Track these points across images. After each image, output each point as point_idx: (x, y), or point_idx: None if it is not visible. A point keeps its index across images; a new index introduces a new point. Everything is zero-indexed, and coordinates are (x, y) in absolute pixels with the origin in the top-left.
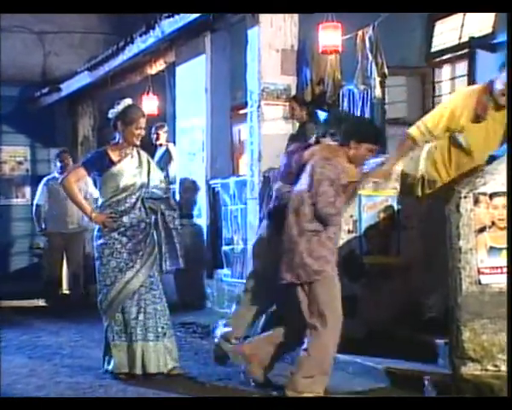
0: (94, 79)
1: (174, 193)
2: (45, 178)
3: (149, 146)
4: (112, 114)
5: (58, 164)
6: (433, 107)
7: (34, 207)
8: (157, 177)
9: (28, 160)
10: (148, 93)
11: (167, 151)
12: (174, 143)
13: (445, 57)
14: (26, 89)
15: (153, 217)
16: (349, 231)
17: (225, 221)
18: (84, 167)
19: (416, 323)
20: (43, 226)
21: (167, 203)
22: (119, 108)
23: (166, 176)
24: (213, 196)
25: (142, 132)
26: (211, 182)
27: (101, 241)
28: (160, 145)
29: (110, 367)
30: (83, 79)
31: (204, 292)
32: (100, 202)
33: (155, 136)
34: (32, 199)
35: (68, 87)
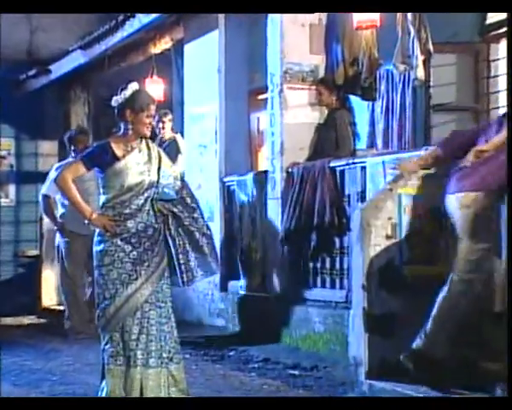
0: (88, 60)
1: (190, 190)
2: (56, 165)
3: (152, 137)
4: (117, 101)
5: (72, 147)
6: (488, 90)
7: (41, 199)
8: (170, 174)
9: (12, 154)
10: (151, 75)
11: (174, 143)
12: (182, 133)
13: (502, 30)
14: (9, 71)
15: (166, 221)
16: (387, 237)
17: (242, 225)
18: (83, 163)
19: (468, 345)
20: (60, 221)
21: (183, 204)
22: (127, 93)
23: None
24: (228, 195)
25: (153, 121)
26: (225, 179)
27: (101, 247)
28: (166, 136)
29: (102, 395)
30: (75, 60)
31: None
32: (101, 202)
33: (160, 125)
34: (18, 199)
35: (59, 69)
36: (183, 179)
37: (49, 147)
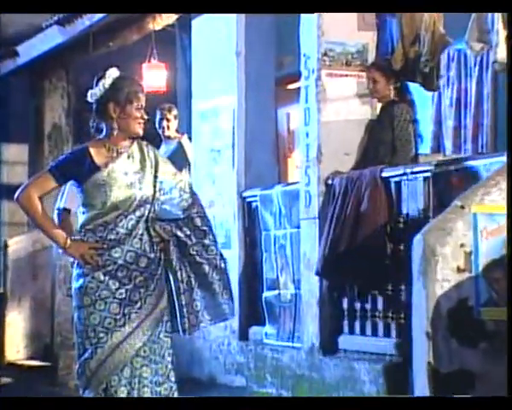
0: (68, 39)
1: (202, 208)
2: None
3: (152, 139)
4: (95, 94)
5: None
6: None
7: (56, 214)
8: (172, 185)
9: None
10: (150, 59)
11: (179, 147)
12: (189, 134)
13: None
14: None
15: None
16: (459, 270)
17: (267, 253)
18: (53, 175)
19: None
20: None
21: (191, 226)
22: (106, 82)
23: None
24: (249, 214)
25: (144, 115)
26: (245, 194)
27: (79, 284)
28: (169, 138)
29: None
30: (51, 39)
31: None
32: (79, 224)
33: (163, 124)
34: None
35: (29, 50)
36: (192, 192)
37: (15, 152)
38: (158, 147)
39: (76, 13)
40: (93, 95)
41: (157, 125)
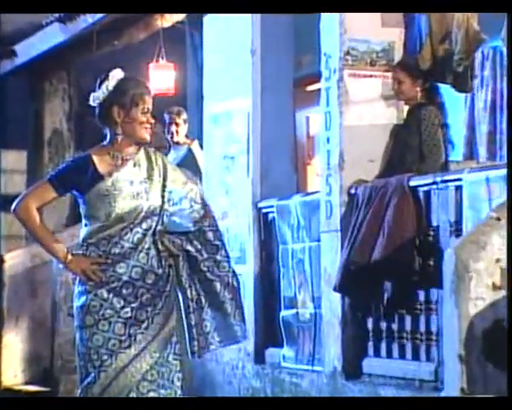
0: (70, 37)
1: (215, 220)
2: None
3: (160, 145)
4: (97, 98)
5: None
6: None
7: None
8: (182, 195)
9: None
10: (158, 59)
11: (189, 154)
12: (200, 140)
13: None
14: None
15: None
16: (494, 287)
17: (285, 269)
18: (52, 184)
19: None
20: None
21: (202, 240)
22: (109, 84)
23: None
24: (265, 227)
25: (151, 119)
26: (261, 204)
27: (81, 302)
28: (178, 144)
29: None
30: (51, 37)
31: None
32: (81, 237)
33: (171, 128)
34: None
35: (28, 50)
36: (204, 203)
37: (13, 160)
38: (166, 154)
39: (80, 13)
40: (96, 98)
41: (165, 131)
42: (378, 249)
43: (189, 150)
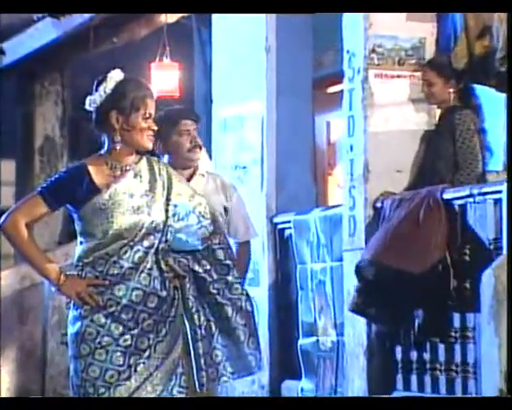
0: (63, 34)
1: (225, 237)
2: None
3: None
4: (94, 102)
5: None
6: None
7: None
8: (189, 209)
9: None
10: (161, 58)
11: None
12: (209, 148)
13: None
14: None
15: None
16: None
17: (303, 292)
18: (44, 198)
19: None
20: None
21: (211, 260)
22: (107, 86)
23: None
24: (281, 245)
25: (154, 125)
26: (276, 219)
27: (75, 328)
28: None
29: None
30: (43, 34)
31: None
32: (76, 256)
33: None
34: None
35: (17, 48)
36: (213, 219)
37: (1, 170)
38: None
39: (77, 13)
40: (92, 102)
41: None
42: (405, 268)
43: None
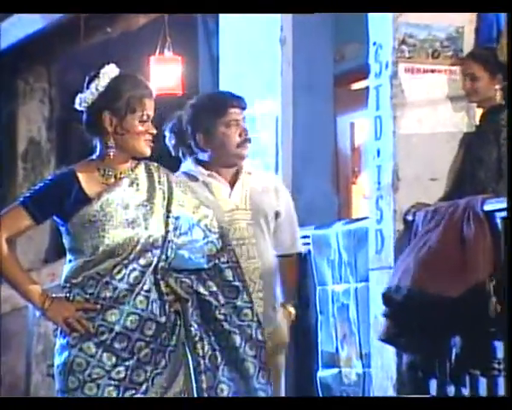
0: (51, 23)
1: (234, 254)
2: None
3: (166, 159)
4: (85, 100)
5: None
6: None
7: None
8: (193, 222)
9: None
10: (162, 51)
11: None
12: None
13: None
14: None
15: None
16: None
17: (323, 316)
18: (27, 209)
19: None
20: None
21: (218, 281)
22: (100, 83)
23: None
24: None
25: (153, 128)
26: None
27: (63, 358)
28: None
29: None
30: (28, 23)
31: None
32: (63, 276)
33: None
34: None
35: None
36: (221, 233)
37: None
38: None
39: (79, 13)
40: (83, 101)
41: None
42: (443, 292)
43: None
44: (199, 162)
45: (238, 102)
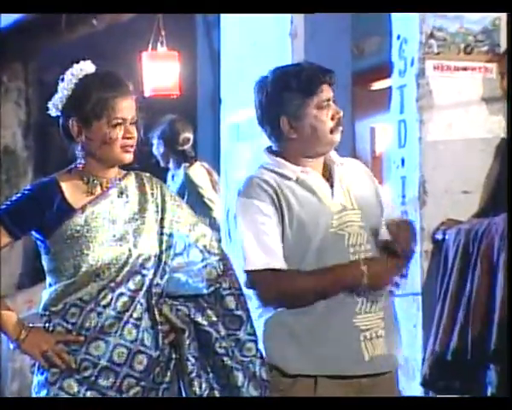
0: (26, 16)
1: (237, 280)
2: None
3: (157, 171)
4: (55, 105)
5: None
6: None
7: None
8: (190, 241)
9: None
10: (155, 46)
11: (186, 181)
12: (217, 161)
13: None
14: None
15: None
16: None
17: None
18: (2, 224)
19: None
20: None
21: (218, 309)
22: (66, 85)
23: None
24: None
25: (130, 133)
26: None
27: (41, 396)
28: (179, 168)
29: None
30: (1, 16)
31: None
32: (42, 303)
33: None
34: None
35: None
36: (223, 256)
37: None
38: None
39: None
40: (54, 106)
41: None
42: (485, 326)
43: (186, 177)
44: (277, 155)
45: (330, 76)
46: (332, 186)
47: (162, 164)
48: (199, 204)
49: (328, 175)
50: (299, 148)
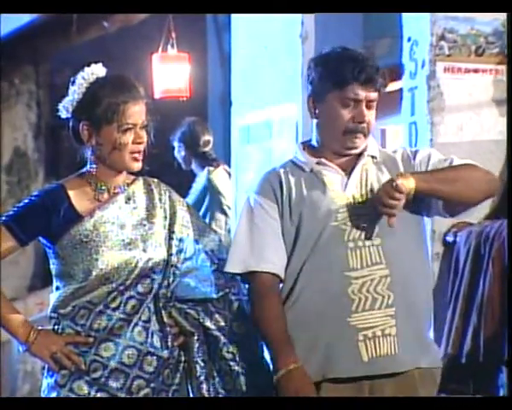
0: (38, 17)
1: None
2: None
3: (174, 173)
4: (66, 108)
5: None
6: None
7: None
8: (199, 246)
9: None
10: (165, 48)
11: (209, 186)
12: (227, 164)
13: None
14: None
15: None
16: None
17: None
18: (10, 229)
19: None
20: None
21: (227, 313)
22: (77, 89)
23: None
24: None
25: (140, 138)
26: None
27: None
28: (192, 171)
29: None
30: (13, 17)
31: None
32: (50, 306)
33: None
34: None
35: None
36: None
37: None
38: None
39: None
40: (65, 108)
41: (176, 152)
42: (499, 333)
43: (209, 181)
44: (305, 147)
45: (367, 78)
46: (349, 178)
47: (184, 167)
48: (218, 209)
49: (351, 167)
50: (321, 141)
